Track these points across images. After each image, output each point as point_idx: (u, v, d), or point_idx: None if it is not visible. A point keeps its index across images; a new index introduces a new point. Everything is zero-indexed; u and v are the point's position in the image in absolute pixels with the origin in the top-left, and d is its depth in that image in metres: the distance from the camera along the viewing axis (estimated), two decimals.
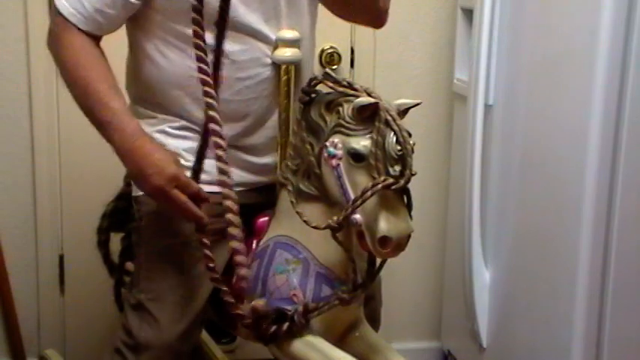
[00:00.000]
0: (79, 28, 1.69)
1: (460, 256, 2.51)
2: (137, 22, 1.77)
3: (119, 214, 2.10)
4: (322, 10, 2.64)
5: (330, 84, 1.65)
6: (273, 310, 1.68)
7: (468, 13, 2.51)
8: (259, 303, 1.70)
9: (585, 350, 2.06)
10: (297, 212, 1.66)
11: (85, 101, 1.67)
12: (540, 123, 2.19)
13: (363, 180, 1.55)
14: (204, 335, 2.37)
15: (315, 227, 1.63)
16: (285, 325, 1.66)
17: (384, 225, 1.54)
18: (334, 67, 2.66)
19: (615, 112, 1.94)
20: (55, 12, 1.71)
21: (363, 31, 2.71)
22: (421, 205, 2.77)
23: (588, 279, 2.03)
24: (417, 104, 1.62)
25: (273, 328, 1.67)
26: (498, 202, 2.39)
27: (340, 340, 1.76)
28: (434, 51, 2.77)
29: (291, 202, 1.68)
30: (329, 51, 2.67)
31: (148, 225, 1.81)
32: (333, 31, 2.68)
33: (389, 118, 1.55)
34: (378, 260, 1.69)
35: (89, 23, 1.69)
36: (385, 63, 2.74)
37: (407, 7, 2.73)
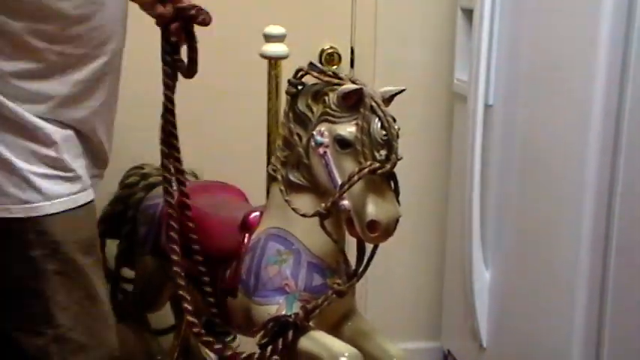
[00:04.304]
0: None
1: (460, 256, 2.51)
2: None
3: (114, 219, 2.10)
4: (322, 10, 2.66)
5: (316, 74, 1.68)
6: (273, 322, 1.68)
7: (468, 13, 2.51)
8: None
9: (585, 350, 2.06)
10: (286, 200, 1.68)
11: None
12: (540, 123, 2.19)
13: (350, 166, 1.58)
14: None
15: (303, 215, 1.65)
16: (290, 334, 1.66)
17: (372, 209, 1.56)
18: (334, 67, 2.66)
19: (615, 112, 1.94)
20: None
21: (363, 31, 2.71)
22: (421, 204, 2.79)
23: (588, 279, 2.03)
24: (402, 91, 1.65)
25: (281, 341, 1.66)
26: (498, 202, 2.39)
27: (334, 329, 1.77)
28: (434, 51, 2.77)
29: (281, 190, 1.69)
30: (329, 51, 2.67)
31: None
32: (333, 31, 2.68)
33: (373, 104, 1.57)
34: (369, 248, 1.70)
35: None
36: (385, 63, 2.74)
37: (407, 7, 2.73)
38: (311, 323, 1.69)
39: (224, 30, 2.49)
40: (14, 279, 1.54)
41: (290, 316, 1.66)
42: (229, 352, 1.73)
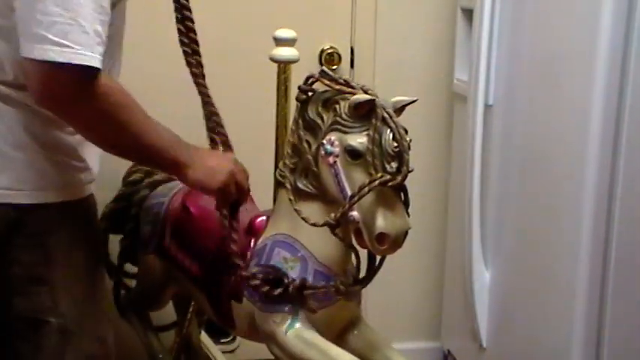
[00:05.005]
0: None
1: (460, 256, 2.51)
2: None
3: (118, 216, 2.10)
4: (322, 10, 2.66)
5: (327, 82, 1.66)
6: (274, 271, 1.70)
7: (468, 13, 2.51)
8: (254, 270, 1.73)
9: (585, 350, 2.06)
10: (296, 209, 1.66)
11: (154, 145, 1.56)
12: (540, 123, 2.19)
13: (360, 177, 1.56)
14: (204, 337, 2.37)
15: (313, 224, 1.64)
16: (278, 291, 1.67)
17: (382, 222, 1.54)
18: (334, 67, 2.66)
19: (615, 112, 1.94)
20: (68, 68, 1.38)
21: (363, 31, 2.71)
22: (421, 205, 2.76)
23: (588, 279, 2.03)
24: (413, 101, 1.63)
25: (266, 288, 1.68)
26: (498, 202, 2.39)
27: (339, 338, 1.76)
28: (434, 51, 2.77)
29: (290, 199, 1.68)
30: (329, 51, 2.67)
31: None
32: (333, 31, 2.68)
33: (385, 115, 1.55)
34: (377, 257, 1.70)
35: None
36: (385, 63, 2.74)
37: (407, 7, 2.73)
38: (316, 331, 1.69)
39: (224, 31, 2.51)
40: (23, 266, 1.56)
41: (288, 277, 1.68)
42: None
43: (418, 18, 2.75)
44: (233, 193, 1.71)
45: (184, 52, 1.72)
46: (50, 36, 1.35)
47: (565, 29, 2.06)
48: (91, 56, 1.37)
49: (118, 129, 1.48)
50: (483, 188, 2.40)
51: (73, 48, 1.36)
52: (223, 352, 2.45)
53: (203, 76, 1.73)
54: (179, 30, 1.72)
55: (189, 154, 1.62)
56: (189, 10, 1.70)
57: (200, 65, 1.73)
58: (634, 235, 2.00)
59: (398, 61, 2.75)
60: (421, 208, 2.78)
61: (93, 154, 1.62)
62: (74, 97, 1.40)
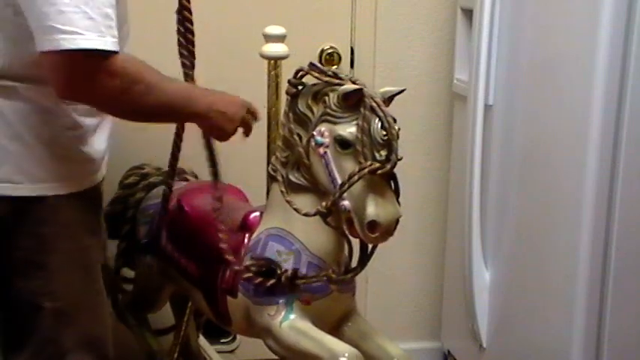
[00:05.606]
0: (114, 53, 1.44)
1: (460, 256, 2.51)
2: None
3: (114, 219, 2.10)
4: (322, 10, 2.66)
5: (316, 75, 1.68)
6: (266, 262, 1.72)
7: (468, 13, 2.51)
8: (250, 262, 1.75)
9: (585, 350, 2.06)
10: (287, 201, 1.68)
11: (173, 103, 1.59)
12: (540, 123, 2.19)
13: (350, 166, 1.58)
14: (202, 340, 2.37)
15: (305, 214, 1.65)
16: (270, 282, 1.70)
17: (373, 209, 1.56)
18: (334, 67, 2.66)
19: (615, 112, 1.94)
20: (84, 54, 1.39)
21: (363, 31, 2.71)
22: (421, 205, 2.79)
23: (588, 279, 2.03)
24: (401, 91, 1.65)
25: (259, 280, 1.71)
26: (498, 202, 2.39)
27: (334, 330, 1.78)
28: (434, 51, 2.77)
29: (281, 191, 1.70)
30: (329, 51, 2.67)
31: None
32: (333, 31, 2.68)
33: (374, 104, 1.57)
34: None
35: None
36: (385, 63, 2.74)
37: (407, 7, 2.73)
38: (311, 323, 1.70)
39: (224, 30, 2.51)
40: (22, 251, 1.58)
41: (281, 268, 1.70)
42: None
43: (418, 18, 2.75)
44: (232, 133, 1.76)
45: (180, 52, 1.75)
46: (58, 25, 1.36)
47: (565, 29, 2.06)
48: (100, 40, 1.38)
49: (138, 99, 1.49)
50: (483, 188, 2.40)
51: (82, 34, 1.37)
52: (224, 352, 2.45)
53: (193, 79, 1.77)
54: (178, 30, 1.73)
55: (207, 104, 1.65)
56: (190, 11, 1.72)
57: (193, 66, 1.77)
58: (634, 235, 2.00)
59: (398, 61, 2.75)
60: (421, 207, 2.80)
61: (97, 144, 1.63)
62: (92, 81, 1.41)
